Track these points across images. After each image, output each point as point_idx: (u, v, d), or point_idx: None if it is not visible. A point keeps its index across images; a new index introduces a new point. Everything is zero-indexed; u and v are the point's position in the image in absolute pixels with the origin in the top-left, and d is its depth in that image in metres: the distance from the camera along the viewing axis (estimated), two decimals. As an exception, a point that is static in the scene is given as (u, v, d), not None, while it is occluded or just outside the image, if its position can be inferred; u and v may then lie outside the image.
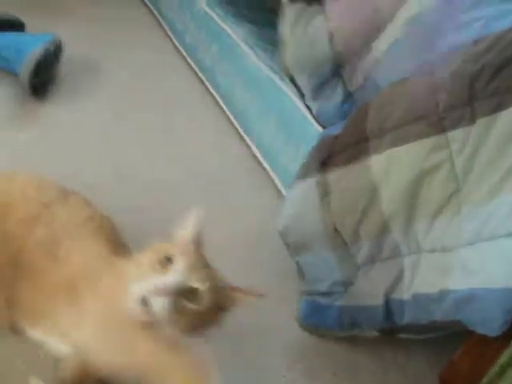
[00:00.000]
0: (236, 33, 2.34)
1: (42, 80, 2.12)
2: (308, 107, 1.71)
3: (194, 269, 0.97)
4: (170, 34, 3.02)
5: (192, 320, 0.97)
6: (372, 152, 1.34)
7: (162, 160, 2.03)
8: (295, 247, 1.51)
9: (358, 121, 1.42)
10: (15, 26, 2.33)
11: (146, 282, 0.94)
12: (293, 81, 1.67)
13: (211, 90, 2.54)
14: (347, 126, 1.47)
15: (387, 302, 1.37)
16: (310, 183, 1.47)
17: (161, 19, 3.17)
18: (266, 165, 2.09)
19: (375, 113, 1.39)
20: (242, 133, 2.27)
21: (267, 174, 2.08)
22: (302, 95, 1.69)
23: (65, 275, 1.08)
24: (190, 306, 0.94)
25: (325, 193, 1.43)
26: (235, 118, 2.33)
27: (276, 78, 2.02)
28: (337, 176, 1.42)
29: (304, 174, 1.51)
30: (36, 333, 1.13)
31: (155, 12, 3.26)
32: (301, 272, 1.55)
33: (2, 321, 1.14)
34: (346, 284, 1.45)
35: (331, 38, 1.54)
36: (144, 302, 0.93)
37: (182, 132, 2.26)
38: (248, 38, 2.27)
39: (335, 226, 1.42)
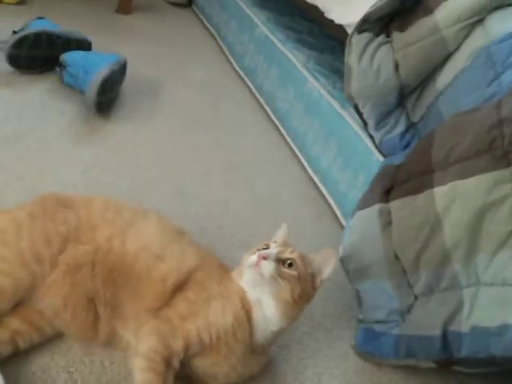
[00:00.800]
0: (296, 57, 2.37)
1: (107, 99, 2.18)
2: (370, 136, 1.71)
3: (285, 247, 1.27)
4: (229, 55, 3.07)
5: (293, 286, 1.21)
6: (436, 183, 1.34)
7: (221, 181, 2.06)
8: (355, 274, 1.52)
9: (423, 151, 1.43)
10: (83, 44, 2.41)
11: (255, 254, 1.23)
12: (356, 109, 1.68)
13: (270, 113, 2.58)
14: (411, 156, 1.48)
15: (445, 334, 1.35)
16: (372, 211, 1.47)
17: (220, 41, 3.23)
18: (323, 190, 2.11)
19: (440, 144, 1.39)
20: (301, 157, 2.30)
21: (324, 199, 2.10)
22: (364, 124, 1.70)
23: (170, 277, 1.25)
24: (288, 270, 1.22)
25: (387, 221, 1.44)
26: (293, 142, 2.37)
27: (336, 105, 2.05)
28: (400, 205, 1.42)
29: (366, 202, 1.52)
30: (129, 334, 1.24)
31: (215, 34, 3.32)
32: (359, 299, 1.55)
33: (103, 333, 1.25)
34: (403, 313, 1.44)
35: (396, 68, 1.56)
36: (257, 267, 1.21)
37: (242, 154, 2.30)
38: (308, 64, 2.30)
39: (396, 254, 1.42)
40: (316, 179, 2.16)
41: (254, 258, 1.22)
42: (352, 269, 1.52)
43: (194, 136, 2.29)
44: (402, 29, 1.59)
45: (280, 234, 1.38)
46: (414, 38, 1.55)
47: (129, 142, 2.10)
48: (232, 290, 1.26)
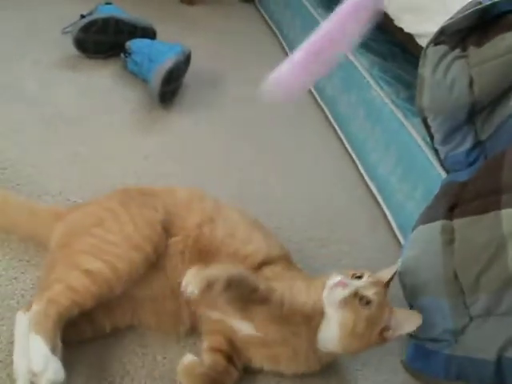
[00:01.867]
0: (361, 63, 2.34)
1: (171, 89, 2.19)
2: (435, 150, 1.68)
3: (374, 286, 1.25)
4: (289, 54, 3.05)
5: (357, 322, 1.21)
6: (504, 205, 1.32)
7: (279, 181, 2.06)
8: (411, 289, 1.50)
9: (492, 171, 1.40)
10: (148, 33, 2.43)
11: (338, 278, 1.25)
12: (425, 122, 1.65)
13: (330, 116, 2.57)
14: (479, 175, 1.45)
15: (499, 360, 1.34)
16: (435, 227, 1.45)
17: (282, 39, 3.22)
18: (379, 199, 2.09)
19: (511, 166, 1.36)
20: (358, 163, 2.29)
21: (380, 207, 2.08)
22: (431, 137, 1.67)
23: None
24: (359, 306, 1.22)
25: (449, 239, 1.41)
26: (352, 147, 2.35)
27: (399, 114, 2.02)
28: (464, 224, 1.40)
29: (429, 217, 1.50)
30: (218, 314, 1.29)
31: (277, 31, 3.31)
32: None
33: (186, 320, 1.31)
34: (457, 333, 1.42)
35: (471, 84, 1.53)
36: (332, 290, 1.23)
37: (299, 155, 2.30)
38: (372, 70, 2.27)
39: (455, 273, 1.40)
40: (372, 187, 2.15)
41: (335, 279, 1.25)
42: (409, 284, 1.50)
43: (252, 133, 2.29)
44: (479, 44, 1.56)
45: (386, 272, 1.37)
46: (490, 55, 1.52)
47: (190, 134, 2.11)
48: (317, 285, 1.29)
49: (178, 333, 1.33)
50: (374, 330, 1.24)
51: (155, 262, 1.26)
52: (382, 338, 1.26)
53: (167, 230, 1.31)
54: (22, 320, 1.13)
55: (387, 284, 1.34)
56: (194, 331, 1.33)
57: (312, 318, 1.25)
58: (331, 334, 1.25)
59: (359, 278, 1.28)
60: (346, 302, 1.22)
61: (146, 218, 1.28)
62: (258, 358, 1.30)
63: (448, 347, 1.44)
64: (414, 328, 1.28)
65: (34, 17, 2.47)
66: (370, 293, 1.24)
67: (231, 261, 1.30)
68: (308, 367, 1.31)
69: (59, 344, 1.08)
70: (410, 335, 1.53)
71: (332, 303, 1.23)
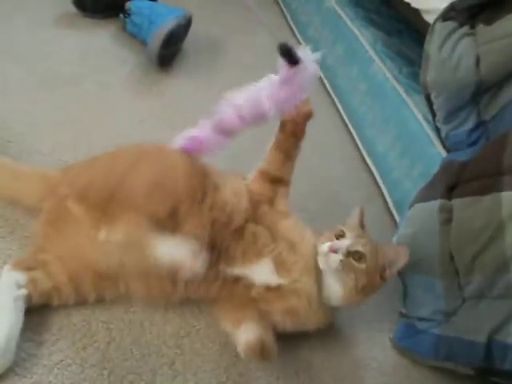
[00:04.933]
0: (364, 36, 2.30)
1: (170, 52, 2.15)
2: (437, 128, 1.66)
3: (359, 238, 1.30)
4: (291, 24, 3.01)
5: (358, 277, 1.26)
6: (505, 188, 1.30)
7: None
8: (405, 267, 1.48)
9: (494, 152, 1.38)
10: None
11: (327, 244, 1.29)
12: (428, 99, 1.62)
13: (329, 88, 2.53)
14: (481, 156, 1.43)
15: (490, 342, 1.32)
16: (432, 206, 1.44)
17: (283, 7, 3.17)
18: (376, 174, 2.07)
19: (514, 148, 1.34)
20: (356, 137, 2.26)
21: (376, 181, 2.06)
22: (433, 115, 1.64)
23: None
24: (356, 264, 1.26)
25: (447, 219, 1.40)
26: (350, 121, 2.32)
27: (401, 90, 1.99)
28: (463, 204, 1.38)
29: (427, 195, 1.49)
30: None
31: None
32: (404, 293, 1.52)
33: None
34: (449, 314, 1.41)
35: (477, 63, 1.49)
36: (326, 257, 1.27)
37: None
38: (376, 45, 2.23)
39: (451, 253, 1.38)
40: (369, 161, 2.12)
41: (325, 248, 1.29)
42: (404, 261, 1.48)
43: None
44: (488, 22, 1.52)
45: (355, 219, 1.43)
46: (500, 34, 1.49)
47: (187, 98, 2.07)
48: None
49: (171, 303, 1.31)
50: (374, 278, 1.30)
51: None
52: (383, 280, 1.32)
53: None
54: (9, 277, 1.12)
55: (361, 225, 1.42)
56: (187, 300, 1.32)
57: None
58: (336, 293, 1.29)
59: (341, 236, 1.32)
60: (343, 265, 1.25)
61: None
62: (280, 315, 1.29)
63: (438, 327, 1.43)
64: (406, 261, 1.32)
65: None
66: (359, 247, 1.27)
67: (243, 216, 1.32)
68: (325, 317, 1.34)
69: None
70: (401, 314, 1.52)
71: (331, 269, 1.27)
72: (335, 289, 1.28)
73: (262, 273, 1.28)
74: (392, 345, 1.52)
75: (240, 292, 1.28)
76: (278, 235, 1.31)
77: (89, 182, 1.23)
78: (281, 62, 1.26)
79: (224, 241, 1.28)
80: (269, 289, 1.28)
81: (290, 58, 1.22)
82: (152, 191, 1.20)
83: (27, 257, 1.21)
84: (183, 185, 1.25)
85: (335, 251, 1.27)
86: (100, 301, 1.25)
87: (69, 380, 1.10)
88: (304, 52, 1.26)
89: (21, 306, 1.10)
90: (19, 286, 1.11)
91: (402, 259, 1.32)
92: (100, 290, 1.23)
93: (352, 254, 1.27)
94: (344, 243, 1.28)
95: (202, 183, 1.30)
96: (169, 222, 1.20)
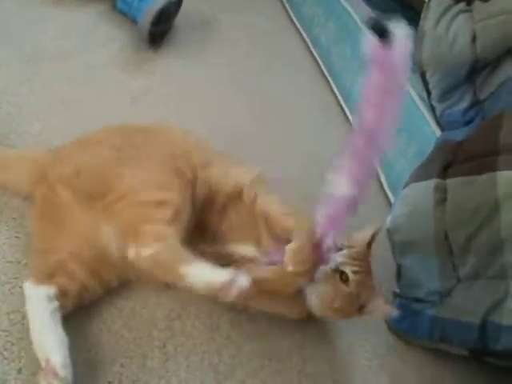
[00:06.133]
0: (358, 15, 2.27)
1: (161, 30, 2.11)
2: (432, 107, 1.63)
3: (353, 261, 1.22)
4: (285, 2, 2.98)
5: (336, 297, 1.20)
6: (501, 167, 1.28)
7: (268, 131, 2.00)
8: (400, 247, 1.47)
9: (490, 132, 1.36)
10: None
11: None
12: (423, 77, 1.59)
13: (323, 66, 2.51)
14: (476, 135, 1.41)
15: (484, 323, 1.32)
16: (428, 186, 1.42)
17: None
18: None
19: (511, 127, 1.32)
20: (350, 116, 2.24)
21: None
22: (428, 93, 1.62)
23: None
24: (339, 283, 1.20)
25: (442, 198, 1.39)
26: (345, 101, 2.30)
27: (395, 69, 1.96)
28: (458, 184, 1.37)
29: (422, 175, 1.47)
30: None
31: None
32: (398, 274, 1.51)
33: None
34: (443, 295, 1.40)
35: (474, 40, 1.47)
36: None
37: (290, 105, 2.23)
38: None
39: (446, 233, 1.37)
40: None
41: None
42: (398, 241, 1.47)
43: (243, 80, 2.22)
44: (485, -2, 1.50)
45: (365, 236, 1.30)
46: (497, 10, 1.47)
47: (178, 77, 2.03)
48: None
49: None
50: (351, 306, 1.24)
51: None
52: (359, 314, 1.26)
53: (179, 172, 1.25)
54: (37, 293, 1.07)
55: (369, 246, 1.29)
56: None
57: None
58: (312, 301, 1.24)
59: (340, 249, 1.24)
60: (327, 277, 1.20)
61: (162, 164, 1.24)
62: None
63: (433, 308, 1.42)
64: (382, 318, 1.37)
65: None
66: (349, 270, 1.21)
67: (229, 195, 1.30)
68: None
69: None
70: (396, 294, 1.51)
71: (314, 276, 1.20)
72: (312, 298, 1.23)
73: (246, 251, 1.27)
74: (387, 327, 1.50)
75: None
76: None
77: (77, 167, 1.20)
78: (369, 41, 0.97)
79: (207, 219, 1.27)
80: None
81: (382, 33, 0.96)
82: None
83: (40, 265, 1.15)
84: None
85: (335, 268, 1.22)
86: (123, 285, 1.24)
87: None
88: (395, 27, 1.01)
89: (58, 319, 1.05)
90: (50, 299, 1.07)
91: (382, 314, 1.33)
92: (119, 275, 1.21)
93: (340, 273, 1.21)
94: (337, 258, 1.22)
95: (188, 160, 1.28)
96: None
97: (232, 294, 1.02)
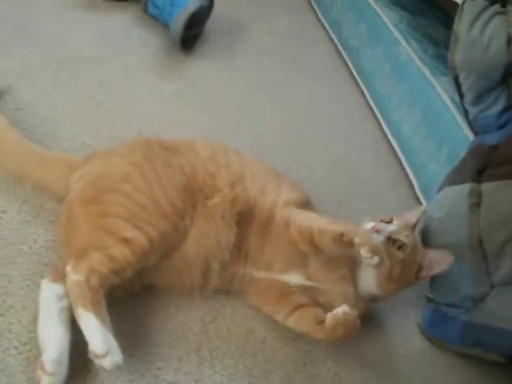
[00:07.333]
0: (388, 17, 2.26)
1: (192, 34, 2.13)
2: (465, 110, 1.62)
3: (404, 230, 1.30)
4: (314, 5, 2.98)
5: (393, 265, 1.26)
6: (537, 171, 1.27)
7: (298, 135, 2.00)
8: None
9: (526, 135, 1.35)
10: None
11: (371, 224, 1.31)
12: (456, 80, 1.58)
13: (353, 69, 2.51)
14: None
15: (520, 330, 1.31)
16: (462, 190, 1.41)
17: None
18: (401, 157, 2.04)
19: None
20: (381, 119, 2.23)
21: (401, 165, 2.04)
22: (461, 96, 1.60)
23: None
24: (395, 251, 1.26)
25: (476, 202, 1.37)
26: (375, 102, 2.30)
27: (427, 72, 1.95)
28: (493, 188, 1.36)
29: (456, 179, 1.46)
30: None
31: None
32: (432, 279, 1.49)
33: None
34: (477, 300, 1.39)
35: (509, 42, 1.45)
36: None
37: (320, 108, 2.24)
38: (400, 25, 2.20)
39: (480, 238, 1.35)
40: (395, 144, 2.10)
41: (368, 226, 1.30)
42: (434, 245, 1.45)
43: (273, 84, 2.24)
44: (520, -1, 1.49)
45: (411, 215, 1.41)
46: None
47: (210, 81, 2.05)
48: None
49: (202, 294, 1.29)
50: (409, 272, 1.29)
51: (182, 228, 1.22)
52: (417, 278, 1.32)
53: (197, 190, 1.27)
54: (50, 290, 1.09)
55: (413, 227, 1.37)
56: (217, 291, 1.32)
57: (354, 261, 1.29)
58: (370, 279, 1.29)
59: (388, 223, 1.32)
60: (383, 249, 1.23)
61: (173, 183, 1.23)
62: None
63: (466, 313, 1.41)
64: (446, 267, 1.30)
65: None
66: (402, 236, 1.28)
67: (266, 215, 1.30)
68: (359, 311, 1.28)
69: (108, 317, 1.06)
70: (429, 299, 1.50)
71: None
72: (370, 274, 1.28)
73: (295, 279, 1.30)
74: (420, 331, 1.50)
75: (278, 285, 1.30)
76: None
77: (85, 172, 1.25)
78: None
79: (248, 239, 1.29)
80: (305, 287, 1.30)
81: None
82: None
83: (59, 265, 1.17)
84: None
85: (378, 231, 1.27)
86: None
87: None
88: None
89: (66, 318, 1.06)
90: (60, 298, 1.08)
91: (442, 265, 1.31)
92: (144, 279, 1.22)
93: (393, 241, 1.27)
94: (388, 227, 1.29)
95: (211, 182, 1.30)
96: None
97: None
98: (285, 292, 1.29)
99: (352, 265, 1.29)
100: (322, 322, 1.21)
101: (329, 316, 1.19)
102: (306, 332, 1.25)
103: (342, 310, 1.19)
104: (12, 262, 1.19)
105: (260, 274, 1.30)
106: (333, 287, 1.29)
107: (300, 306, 1.27)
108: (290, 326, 1.27)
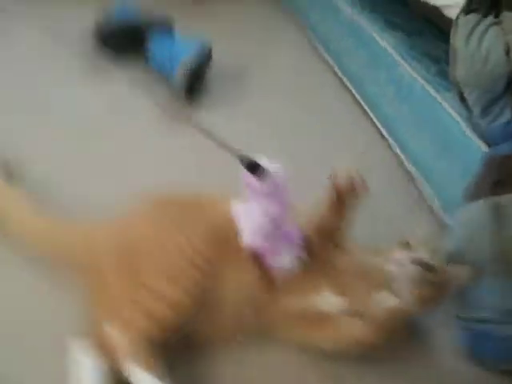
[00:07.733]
0: (386, 41, 2.28)
1: (194, 86, 2.15)
2: (477, 124, 1.61)
3: (432, 253, 1.32)
4: (312, 39, 3.00)
5: (427, 289, 1.27)
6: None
7: (312, 168, 1.99)
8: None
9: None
10: (165, 25, 2.40)
11: (409, 255, 1.31)
12: (460, 96, 1.58)
13: (357, 96, 2.52)
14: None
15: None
16: (482, 205, 1.40)
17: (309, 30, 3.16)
18: (417, 178, 2.04)
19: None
20: (391, 140, 2.24)
21: (416, 187, 2.03)
22: (469, 112, 1.60)
23: None
24: (428, 274, 1.27)
25: (498, 216, 1.36)
26: (383, 126, 2.31)
27: (431, 89, 1.95)
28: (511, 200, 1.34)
29: (474, 194, 1.44)
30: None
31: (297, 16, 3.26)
32: (460, 295, 1.47)
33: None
34: (509, 314, 1.36)
35: (508, 51, 1.45)
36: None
37: (331, 141, 2.24)
38: (398, 47, 2.21)
39: (504, 251, 1.34)
40: (407, 165, 2.10)
41: (401, 255, 1.32)
42: (459, 263, 1.44)
43: (284, 125, 2.25)
44: (513, 7, 1.49)
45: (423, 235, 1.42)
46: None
47: (218, 130, 2.05)
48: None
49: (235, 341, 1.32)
50: (441, 290, 1.31)
51: None
52: (446, 290, 1.33)
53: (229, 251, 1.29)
54: (88, 361, 1.11)
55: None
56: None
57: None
58: (405, 298, 1.28)
59: (409, 248, 1.34)
60: (421, 277, 1.27)
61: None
62: None
63: (499, 329, 1.39)
64: (466, 279, 1.34)
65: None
66: (433, 261, 1.30)
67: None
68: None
69: (162, 371, 1.08)
70: (458, 317, 1.47)
71: (406, 279, 1.27)
72: (404, 294, 1.28)
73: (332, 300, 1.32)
74: (450, 348, 1.47)
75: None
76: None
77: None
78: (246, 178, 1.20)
79: None
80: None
81: (254, 168, 1.15)
82: None
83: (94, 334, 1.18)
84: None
85: (414, 262, 1.28)
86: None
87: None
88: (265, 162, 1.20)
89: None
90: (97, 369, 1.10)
91: (460, 278, 1.34)
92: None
93: (426, 267, 1.28)
94: (422, 255, 1.30)
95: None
96: None
97: None
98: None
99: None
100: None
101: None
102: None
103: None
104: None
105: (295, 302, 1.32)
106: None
107: None
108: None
